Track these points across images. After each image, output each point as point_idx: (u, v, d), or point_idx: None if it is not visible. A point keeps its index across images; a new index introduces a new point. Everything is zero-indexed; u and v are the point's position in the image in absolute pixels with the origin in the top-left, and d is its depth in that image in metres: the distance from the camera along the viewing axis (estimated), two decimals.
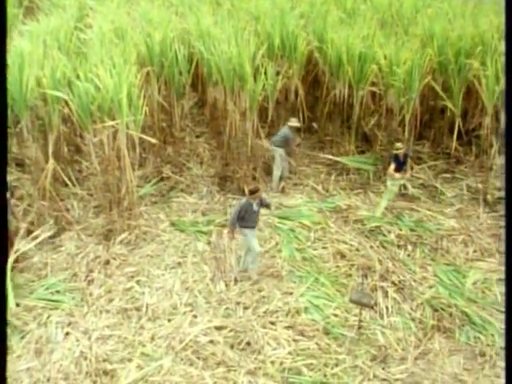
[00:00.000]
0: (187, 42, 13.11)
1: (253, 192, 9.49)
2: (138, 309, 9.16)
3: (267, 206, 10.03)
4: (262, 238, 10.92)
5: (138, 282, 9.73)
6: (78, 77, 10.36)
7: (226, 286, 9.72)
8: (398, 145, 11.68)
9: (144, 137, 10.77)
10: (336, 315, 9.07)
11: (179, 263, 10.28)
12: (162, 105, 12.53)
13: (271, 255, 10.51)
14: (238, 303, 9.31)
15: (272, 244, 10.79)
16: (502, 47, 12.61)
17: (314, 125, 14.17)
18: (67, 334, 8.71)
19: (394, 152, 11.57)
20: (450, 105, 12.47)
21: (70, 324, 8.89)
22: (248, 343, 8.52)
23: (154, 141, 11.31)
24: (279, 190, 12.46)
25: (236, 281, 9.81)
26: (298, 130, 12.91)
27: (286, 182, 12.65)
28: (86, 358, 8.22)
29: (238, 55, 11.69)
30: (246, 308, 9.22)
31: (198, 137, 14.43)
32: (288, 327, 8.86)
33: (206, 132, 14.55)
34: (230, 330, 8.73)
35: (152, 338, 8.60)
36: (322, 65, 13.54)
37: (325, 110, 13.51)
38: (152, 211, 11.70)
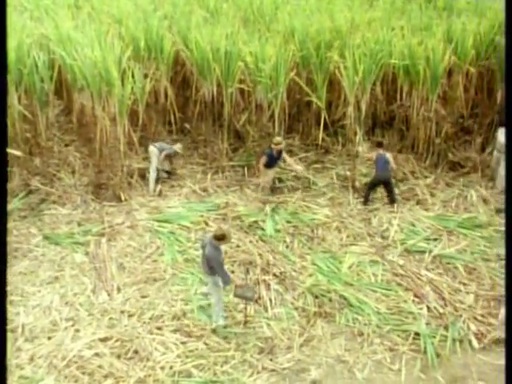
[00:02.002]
0: (46, 48, 12.58)
1: (220, 238, 8.53)
2: (13, 330, 8.69)
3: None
4: (142, 243, 10.79)
5: (11, 303, 9.23)
6: None
7: (109, 295, 9.49)
8: (278, 139, 12.02)
9: (8, 150, 10.22)
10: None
11: (56, 277, 9.89)
12: (24, 114, 11.94)
13: (153, 260, 10.41)
14: (122, 312, 9.13)
15: (153, 248, 10.68)
16: (357, 40, 13.34)
17: (187, 125, 14.16)
18: None
19: (273, 147, 11.89)
20: (314, 98, 12.95)
21: None
22: (135, 351, 8.38)
23: (18, 153, 10.78)
24: (156, 193, 12.34)
25: (119, 289, 9.61)
26: (170, 131, 12.88)
27: (162, 185, 12.55)
28: None
29: (102, 59, 11.41)
30: (130, 316, 9.06)
31: (67, 145, 13.90)
32: (175, 330, 8.82)
33: (75, 140, 14.06)
34: (116, 340, 8.54)
35: (31, 359, 8.21)
36: (189, 65, 13.56)
37: (196, 110, 13.54)
38: (22, 226, 11.15)
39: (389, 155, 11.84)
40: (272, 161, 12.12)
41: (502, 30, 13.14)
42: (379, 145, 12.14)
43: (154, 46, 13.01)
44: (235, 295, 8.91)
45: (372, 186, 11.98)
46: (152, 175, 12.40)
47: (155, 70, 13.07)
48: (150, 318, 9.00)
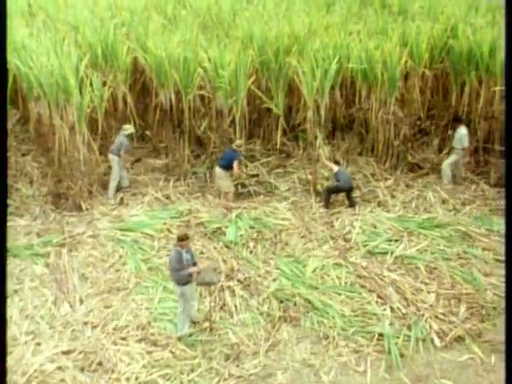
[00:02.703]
0: None
1: (181, 239, 8.54)
2: None
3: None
4: (104, 252, 10.66)
5: None
6: None
7: (71, 307, 9.35)
8: (239, 142, 12.06)
9: None
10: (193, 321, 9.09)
11: (15, 290, 9.69)
12: None
13: (116, 269, 10.30)
14: (85, 323, 9.00)
15: (116, 258, 10.57)
16: (315, 44, 13.48)
17: (147, 132, 14.05)
18: None
19: (235, 148, 11.99)
20: (271, 105, 13.02)
21: None
22: (100, 363, 8.26)
23: None
24: (117, 201, 12.20)
25: (81, 301, 9.46)
26: (131, 138, 12.76)
27: (124, 193, 12.43)
28: None
29: (59, 67, 11.27)
30: (94, 327, 8.95)
31: (24, 155, 13.62)
32: (140, 340, 8.73)
33: (32, 149, 13.80)
34: (79, 353, 8.41)
35: None
36: (148, 72, 13.47)
37: (156, 117, 13.46)
38: None
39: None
40: (232, 159, 12.15)
41: (453, 34, 13.46)
42: (337, 163, 12.34)
43: (111, 54, 12.88)
44: (197, 284, 8.83)
45: (332, 193, 12.09)
46: (113, 183, 12.27)
47: (113, 77, 12.94)
48: (114, 329, 8.90)
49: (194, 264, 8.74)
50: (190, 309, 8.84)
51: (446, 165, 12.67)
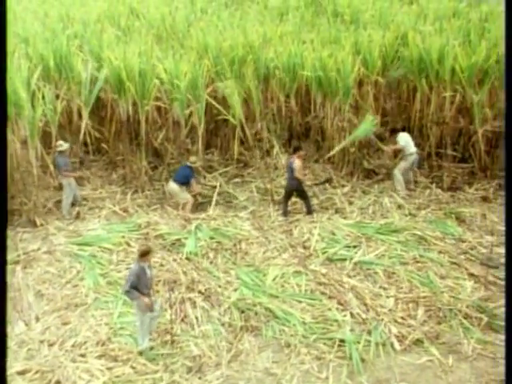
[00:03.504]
0: None
1: (144, 254, 8.38)
2: None
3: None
4: (61, 268, 10.47)
5: None
6: None
7: (26, 325, 9.14)
8: (193, 158, 12.05)
9: None
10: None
11: None
12: None
13: (73, 285, 10.13)
14: (41, 341, 8.79)
15: (73, 273, 10.39)
16: (270, 54, 13.61)
17: (104, 145, 13.89)
18: None
19: (192, 165, 12.00)
20: (227, 115, 13.04)
21: None
22: (58, 382, 8.07)
23: None
24: (74, 216, 12.01)
25: (38, 318, 9.26)
26: (86, 152, 12.60)
27: (80, 208, 12.24)
28: None
29: (9, 81, 11.02)
30: (51, 345, 8.74)
31: None
32: (100, 356, 8.57)
33: None
34: (36, 372, 8.19)
35: None
36: (103, 83, 13.33)
37: (112, 129, 13.33)
38: None
39: (296, 163, 11.72)
40: (188, 176, 12.17)
41: (404, 42, 13.75)
42: (295, 150, 12.11)
43: (64, 66, 12.71)
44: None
45: (286, 196, 12.12)
46: (65, 200, 12.05)
47: (67, 90, 12.77)
48: (73, 346, 8.72)
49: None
50: (149, 321, 8.73)
51: (397, 172, 12.86)
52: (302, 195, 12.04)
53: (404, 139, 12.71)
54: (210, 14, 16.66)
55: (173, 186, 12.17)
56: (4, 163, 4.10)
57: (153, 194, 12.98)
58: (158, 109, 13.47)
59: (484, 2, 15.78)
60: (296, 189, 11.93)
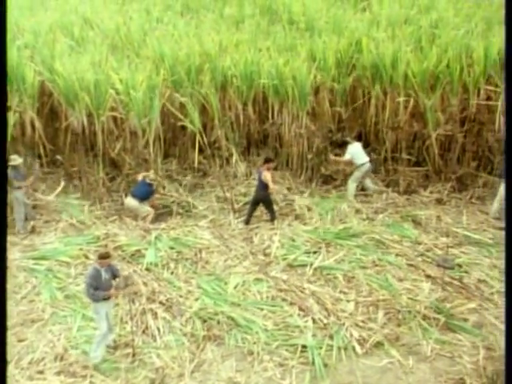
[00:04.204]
0: None
1: (103, 257, 8.41)
2: None
3: (118, 276, 8.70)
4: (16, 283, 10.25)
5: None
6: None
7: None
8: (151, 175, 12.07)
9: None
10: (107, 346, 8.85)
11: None
12: None
13: (30, 300, 9.94)
14: None
15: (29, 288, 10.21)
16: (227, 62, 13.64)
17: (58, 157, 13.66)
18: None
19: (145, 179, 12.04)
20: (187, 123, 13.02)
21: None
22: None
23: None
24: (28, 230, 11.77)
25: None
26: (41, 164, 12.37)
27: (35, 221, 12.01)
28: None
29: None
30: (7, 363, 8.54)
31: None
32: (58, 372, 8.43)
33: None
34: None
35: None
36: (56, 95, 13.13)
37: (67, 141, 13.14)
38: None
39: (265, 174, 11.84)
40: (148, 193, 12.18)
41: (358, 48, 13.97)
42: (266, 161, 12.14)
43: (15, 77, 12.48)
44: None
45: (252, 205, 12.16)
46: (17, 216, 11.78)
47: (19, 101, 12.54)
48: (30, 363, 8.56)
49: (118, 276, 8.67)
50: (107, 331, 8.62)
51: (350, 182, 13.01)
52: (268, 204, 12.09)
53: (351, 151, 12.83)
54: (166, 23, 16.57)
55: (132, 201, 12.09)
56: (4, 160, 4.05)
57: (111, 206, 12.83)
58: (115, 119, 13.31)
59: (433, 9, 16.12)
60: (264, 199, 11.99)
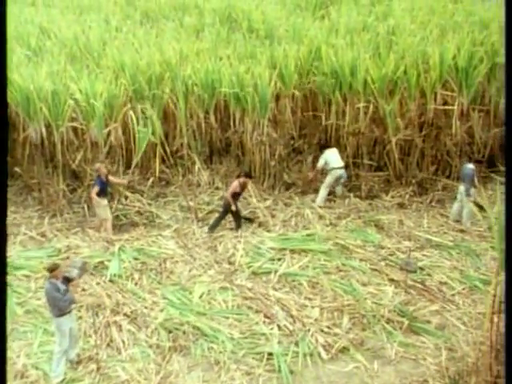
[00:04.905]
0: None
1: (52, 270, 8.26)
2: None
3: (73, 278, 8.55)
4: None
5: None
6: None
7: None
8: (97, 165, 11.80)
9: None
10: (71, 361, 8.70)
11: None
12: None
13: None
14: None
15: None
16: (187, 71, 13.62)
17: (17, 169, 13.41)
18: None
19: (98, 173, 11.77)
20: (147, 134, 12.94)
21: None
22: None
23: None
24: None
25: None
26: None
27: None
28: None
29: None
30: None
31: None
32: None
33: None
34: None
35: None
36: (13, 106, 12.89)
37: (25, 152, 12.91)
38: None
39: (233, 184, 12.04)
40: (104, 188, 11.95)
41: (318, 55, 14.12)
42: (246, 175, 12.31)
43: None
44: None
45: (223, 214, 12.16)
46: None
47: None
48: None
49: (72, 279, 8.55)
50: (68, 347, 8.46)
51: (322, 187, 13.11)
52: (237, 214, 12.09)
53: (326, 156, 12.96)
54: (125, 32, 16.48)
55: (95, 198, 11.91)
56: (4, 163, 3.96)
57: (72, 218, 12.66)
58: (75, 130, 13.16)
59: (390, 16, 16.40)
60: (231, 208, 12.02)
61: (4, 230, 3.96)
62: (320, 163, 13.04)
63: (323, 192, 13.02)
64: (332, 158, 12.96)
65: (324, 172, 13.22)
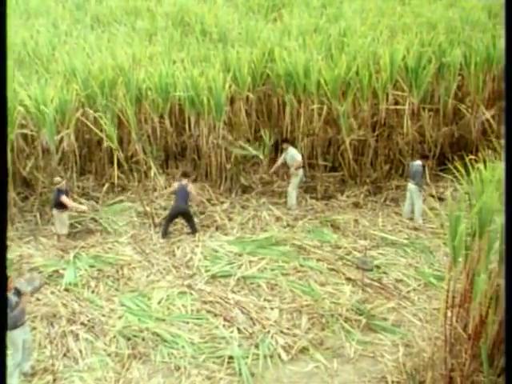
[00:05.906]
0: None
1: None
2: None
3: (24, 292, 8.23)
4: None
5: None
6: None
7: None
8: (57, 179, 11.58)
9: None
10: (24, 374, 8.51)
11: None
12: None
13: None
14: None
15: None
16: (141, 75, 13.51)
17: None
18: None
19: (57, 187, 11.47)
20: (105, 138, 12.79)
21: None
22: None
23: None
24: None
25: None
26: None
27: None
28: None
29: None
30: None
31: None
32: None
33: None
34: None
35: None
36: None
37: None
38: None
39: (190, 186, 11.98)
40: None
41: (271, 58, 14.20)
42: (185, 175, 12.27)
43: None
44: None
45: (171, 218, 12.07)
46: None
47: None
48: None
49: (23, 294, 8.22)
50: (22, 360, 8.25)
51: (291, 189, 13.14)
52: (189, 217, 12.03)
53: (291, 153, 12.97)
54: (76, 36, 16.23)
55: (53, 212, 11.69)
56: (4, 163, 3.83)
57: (24, 226, 12.37)
58: (25, 136, 12.89)
59: (341, 18, 16.63)
60: (184, 212, 11.93)
61: (4, 229, 3.86)
62: (280, 159, 13.11)
63: (293, 194, 13.05)
64: (294, 157, 12.96)
65: (288, 172, 13.25)
